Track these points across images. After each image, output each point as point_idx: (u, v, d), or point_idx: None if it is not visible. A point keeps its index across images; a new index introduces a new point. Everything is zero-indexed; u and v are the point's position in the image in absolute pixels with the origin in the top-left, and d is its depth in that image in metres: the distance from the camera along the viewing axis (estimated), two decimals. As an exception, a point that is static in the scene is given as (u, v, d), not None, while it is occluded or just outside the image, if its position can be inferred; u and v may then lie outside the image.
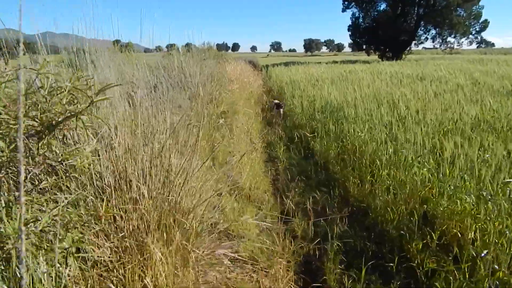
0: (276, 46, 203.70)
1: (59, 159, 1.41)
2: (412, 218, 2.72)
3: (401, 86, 7.12)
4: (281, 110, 6.74)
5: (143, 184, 1.59)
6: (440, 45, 30.39)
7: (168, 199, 1.64)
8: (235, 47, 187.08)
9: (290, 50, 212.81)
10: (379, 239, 2.72)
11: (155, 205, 1.59)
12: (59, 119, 1.35)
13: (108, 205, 1.48)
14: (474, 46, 38.58)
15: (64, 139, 1.58)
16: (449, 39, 30.19)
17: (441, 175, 2.87)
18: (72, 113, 1.34)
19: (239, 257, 2.13)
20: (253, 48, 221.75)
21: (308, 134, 5.06)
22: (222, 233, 2.35)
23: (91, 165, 1.47)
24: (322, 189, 3.86)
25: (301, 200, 3.63)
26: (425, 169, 3.05)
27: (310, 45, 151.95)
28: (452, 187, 2.61)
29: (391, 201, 2.97)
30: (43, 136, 1.36)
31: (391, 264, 2.28)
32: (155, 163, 1.73)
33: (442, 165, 2.89)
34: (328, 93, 6.58)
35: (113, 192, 1.53)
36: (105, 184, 1.56)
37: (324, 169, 4.29)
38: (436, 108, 4.43)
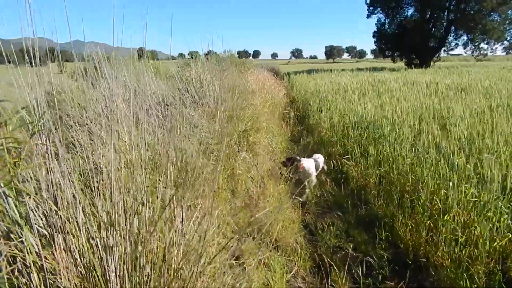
0: (296, 53, 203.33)
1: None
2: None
3: (445, 99, 6.30)
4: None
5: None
6: (472, 52, 28.73)
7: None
8: (256, 54, 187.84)
9: (311, 57, 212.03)
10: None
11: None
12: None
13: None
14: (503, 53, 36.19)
15: None
16: (482, 45, 28.50)
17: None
18: None
19: None
20: (274, 55, 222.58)
21: (345, 160, 4.37)
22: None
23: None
24: (363, 229, 3.18)
25: (338, 243, 2.97)
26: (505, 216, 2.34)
27: (332, 52, 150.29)
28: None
29: (462, 258, 2.27)
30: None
31: None
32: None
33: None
34: (363, 106, 5.87)
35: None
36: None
37: (363, 202, 3.60)
38: (506, 131, 3.64)
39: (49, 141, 1.09)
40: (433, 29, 29.01)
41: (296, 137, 6.22)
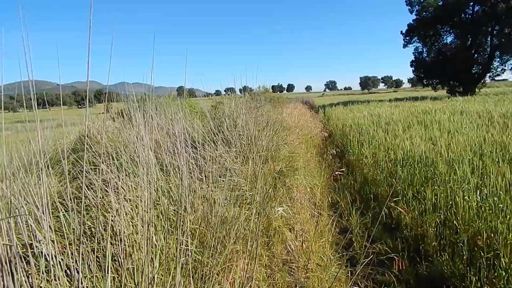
0: (331, 85, 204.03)
1: None
2: None
3: (505, 130, 5.60)
4: None
5: None
6: (522, 76, 26.86)
7: None
8: (290, 87, 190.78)
9: (345, 88, 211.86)
10: None
11: None
12: None
13: None
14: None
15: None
16: (532, 69, 26.54)
17: None
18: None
19: None
20: (308, 88, 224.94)
21: (394, 205, 3.86)
22: None
23: None
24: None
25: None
26: None
27: (367, 83, 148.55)
28: None
29: None
30: None
31: None
32: None
33: None
34: (410, 141, 5.35)
35: None
36: None
37: (422, 257, 3.05)
38: None
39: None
40: (476, 55, 27.69)
41: (335, 176, 5.76)
